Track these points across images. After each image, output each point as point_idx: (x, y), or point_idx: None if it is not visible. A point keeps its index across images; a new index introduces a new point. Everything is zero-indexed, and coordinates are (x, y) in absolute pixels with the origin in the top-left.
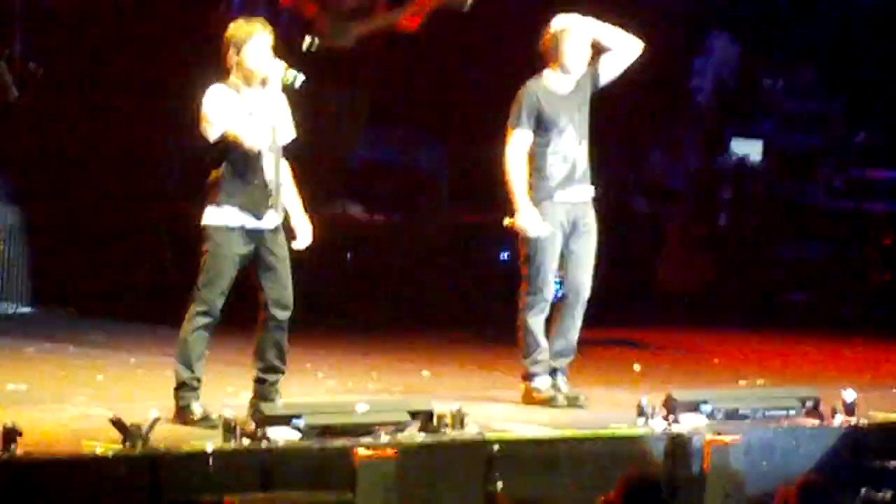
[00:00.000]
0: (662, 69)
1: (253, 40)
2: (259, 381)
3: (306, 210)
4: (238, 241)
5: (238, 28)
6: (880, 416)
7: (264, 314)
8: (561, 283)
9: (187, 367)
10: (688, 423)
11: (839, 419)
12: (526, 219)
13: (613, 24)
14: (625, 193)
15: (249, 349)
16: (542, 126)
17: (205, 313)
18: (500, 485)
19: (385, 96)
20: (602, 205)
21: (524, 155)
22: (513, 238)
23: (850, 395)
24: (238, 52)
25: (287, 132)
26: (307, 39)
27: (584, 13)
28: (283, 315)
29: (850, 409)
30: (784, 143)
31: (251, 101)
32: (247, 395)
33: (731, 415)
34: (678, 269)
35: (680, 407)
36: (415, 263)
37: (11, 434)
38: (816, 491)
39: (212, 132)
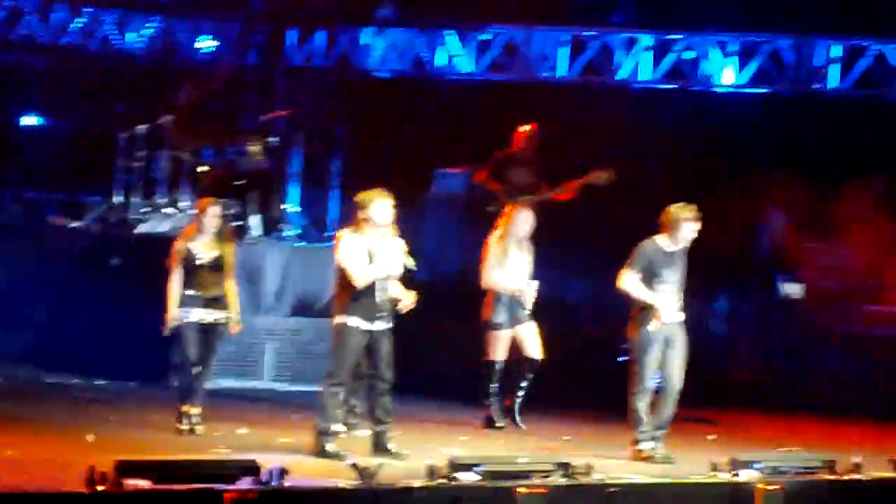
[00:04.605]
0: (736, 235)
1: (376, 203)
2: (374, 432)
3: None
4: (357, 336)
5: (365, 195)
6: (877, 474)
7: (374, 385)
8: (661, 377)
9: (325, 420)
10: (745, 475)
11: (849, 476)
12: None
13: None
14: (707, 318)
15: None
16: (653, 271)
17: (338, 384)
18: None
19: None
20: (689, 325)
21: (633, 286)
22: (627, 346)
23: (857, 458)
24: (365, 210)
25: (398, 266)
26: (491, 207)
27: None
28: (386, 385)
29: (856, 469)
30: (819, 286)
31: (373, 243)
32: (447, 450)
33: (775, 470)
34: (742, 371)
35: (740, 465)
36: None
37: (283, 472)
38: None
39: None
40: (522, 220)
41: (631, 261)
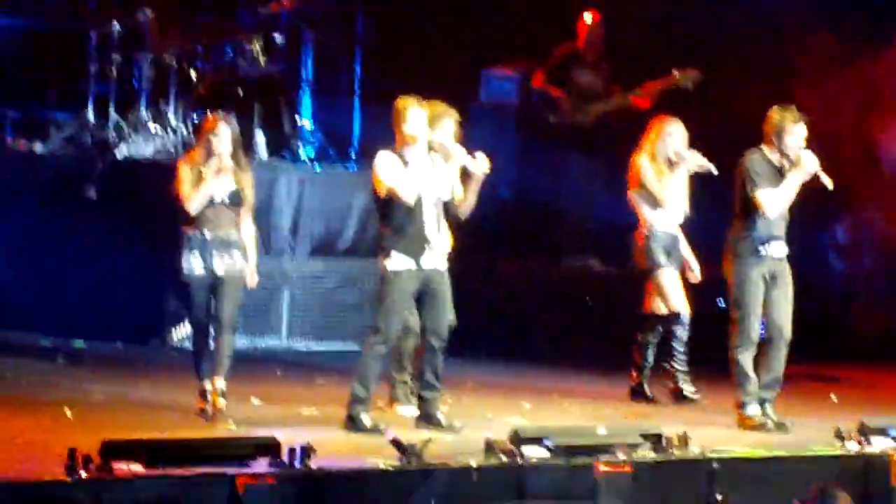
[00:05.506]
0: (859, 146)
1: (409, 112)
2: (420, 398)
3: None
4: (405, 279)
5: (399, 102)
6: None
7: (424, 341)
8: (765, 325)
9: (363, 385)
10: (878, 445)
11: None
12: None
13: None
14: (823, 252)
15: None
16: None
17: (383, 342)
18: (719, 497)
19: (620, 164)
20: (801, 262)
21: (777, 197)
22: (725, 287)
23: None
24: (399, 122)
25: (446, 189)
26: (551, 117)
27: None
28: (439, 343)
29: None
30: None
31: (413, 161)
32: (510, 420)
33: None
34: (869, 316)
35: (871, 431)
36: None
37: (307, 451)
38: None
39: (380, 189)
40: (673, 135)
41: (753, 180)
